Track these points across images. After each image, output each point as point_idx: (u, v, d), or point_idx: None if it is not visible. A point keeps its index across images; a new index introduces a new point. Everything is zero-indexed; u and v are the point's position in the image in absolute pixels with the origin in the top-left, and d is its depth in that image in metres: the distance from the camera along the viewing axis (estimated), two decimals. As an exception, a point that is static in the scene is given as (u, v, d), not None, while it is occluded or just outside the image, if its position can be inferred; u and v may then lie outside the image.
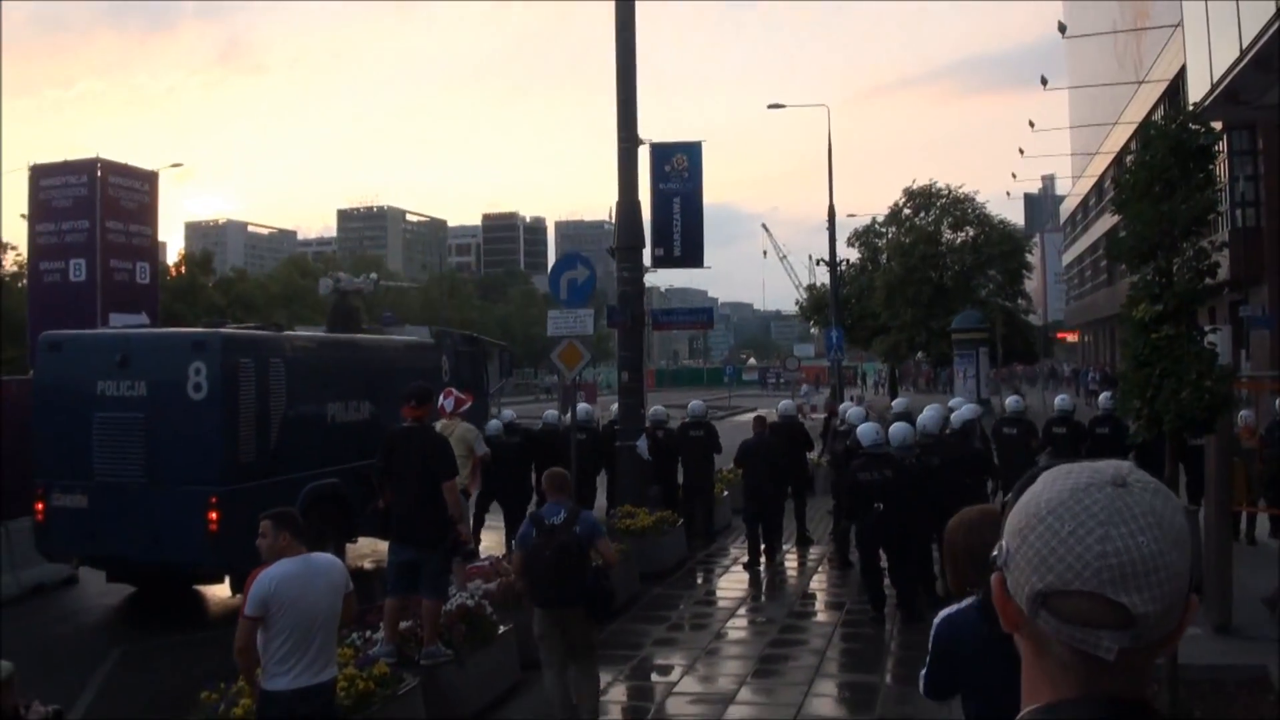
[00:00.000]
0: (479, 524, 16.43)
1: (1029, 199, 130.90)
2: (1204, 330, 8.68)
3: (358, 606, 7.00)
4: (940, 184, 51.10)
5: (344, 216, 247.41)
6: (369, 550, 16.46)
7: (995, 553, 1.44)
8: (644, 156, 18.56)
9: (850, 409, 17.11)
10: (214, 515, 12.49)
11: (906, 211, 50.80)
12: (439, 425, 11.96)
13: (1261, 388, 20.22)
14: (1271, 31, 16.56)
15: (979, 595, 3.62)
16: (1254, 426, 15.73)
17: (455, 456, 10.19)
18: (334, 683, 6.71)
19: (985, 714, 3.66)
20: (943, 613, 3.93)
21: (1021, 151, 68.69)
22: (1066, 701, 1.39)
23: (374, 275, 22.59)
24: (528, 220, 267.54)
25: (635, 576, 13.94)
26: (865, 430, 12.72)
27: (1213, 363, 8.25)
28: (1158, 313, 8.20)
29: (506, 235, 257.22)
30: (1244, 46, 18.33)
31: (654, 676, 10.92)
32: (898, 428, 13.07)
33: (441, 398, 12.84)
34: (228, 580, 13.52)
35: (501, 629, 10.05)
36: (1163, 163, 8.30)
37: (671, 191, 19.15)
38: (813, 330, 72.59)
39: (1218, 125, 33.92)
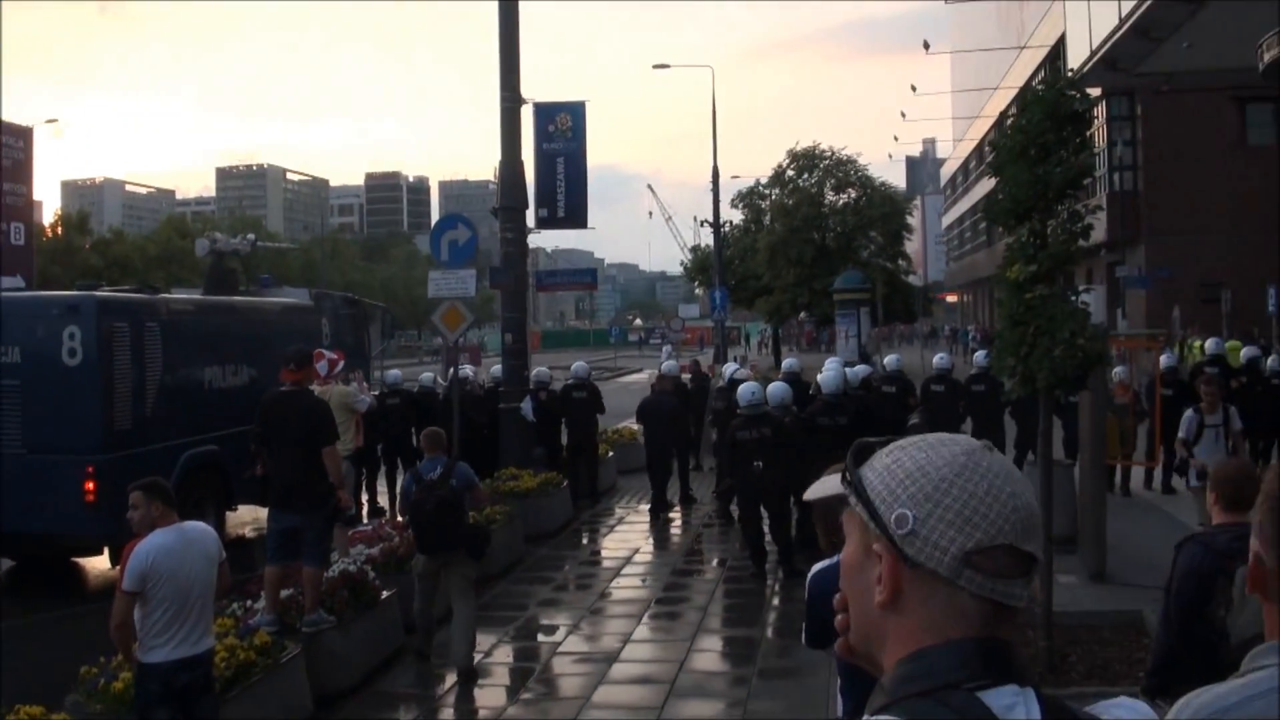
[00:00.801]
0: (359, 487, 16.31)
1: (910, 162, 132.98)
2: (1078, 290, 8.90)
3: (231, 576, 6.91)
4: (823, 146, 51.50)
5: (223, 175, 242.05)
6: (250, 518, 16.21)
7: (897, 528, 1.44)
8: (528, 116, 18.44)
9: (732, 369, 17.28)
10: (91, 485, 12.22)
11: (790, 173, 51.06)
12: (315, 389, 11.80)
13: (1136, 345, 20.83)
14: (1150, 0, 16.95)
15: None
16: (1128, 383, 16.19)
17: (335, 421, 10.07)
18: (212, 653, 6.65)
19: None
20: (816, 566, 3.99)
21: (903, 115, 69.67)
22: (932, 646, 1.41)
23: (251, 236, 22.05)
24: (411, 180, 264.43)
25: (520, 538, 13.94)
26: (745, 390, 12.85)
27: (1085, 322, 8.46)
28: (1032, 273, 8.38)
29: (389, 195, 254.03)
30: (1123, 15, 18.75)
31: (540, 637, 10.96)
32: (776, 387, 13.25)
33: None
34: (106, 551, 13.21)
35: (384, 594, 9.99)
36: (1039, 127, 8.45)
37: (555, 151, 19.02)
38: (697, 291, 72.93)
39: (1096, 91, 34.77)
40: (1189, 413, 12.02)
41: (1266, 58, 4.96)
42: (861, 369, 16.63)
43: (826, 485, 1.61)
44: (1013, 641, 1.44)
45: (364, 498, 16.70)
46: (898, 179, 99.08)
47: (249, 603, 9.21)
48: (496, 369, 18.62)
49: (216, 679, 6.95)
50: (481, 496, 10.49)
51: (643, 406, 17.43)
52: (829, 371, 14.48)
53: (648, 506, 16.73)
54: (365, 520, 14.79)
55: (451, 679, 9.56)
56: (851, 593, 1.51)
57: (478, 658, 9.71)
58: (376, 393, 17.46)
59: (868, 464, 1.50)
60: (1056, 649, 8.63)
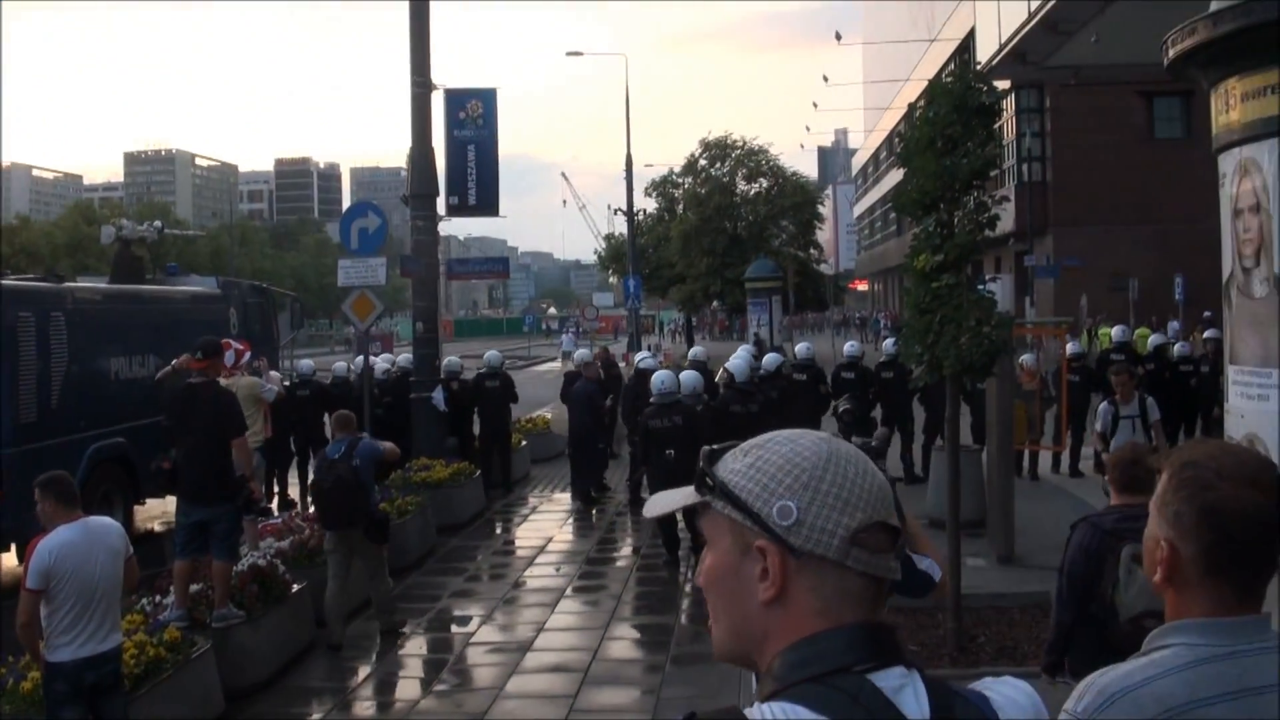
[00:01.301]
0: (270, 479, 16.09)
1: (822, 151, 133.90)
2: (984, 279, 9.02)
3: (140, 571, 6.76)
4: (735, 136, 51.77)
5: (131, 160, 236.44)
6: (160, 512, 15.89)
7: (781, 519, 1.45)
8: (439, 103, 18.28)
9: (642, 357, 17.27)
10: (-6, 480, 11.86)
11: (702, 163, 51.29)
12: (222, 380, 11.59)
13: (1043, 333, 21.14)
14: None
15: None
16: (1035, 370, 16.44)
17: (244, 413, 9.90)
18: (120, 650, 6.51)
19: None
20: None
21: (815, 105, 70.13)
22: (820, 633, 1.44)
23: (158, 223, 21.59)
24: (322, 167, 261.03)
25: (432, 529, 13.82)
26: (657, 379, 12.85)
27: (991, 310, 8.57)
28: (938, 262, 8.47)
29: (300, 182, 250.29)
30: (1032, 9, 18.97)
31: (453, 628, 10.88)
32: (688, 375, 13.29)
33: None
34: (14, 548, 12.85)
35: (295, 587, 9.86)
36: (946, 119, 8.54)
37: (466, 139, 18.86)
38: (611, 279, 72.90)
39: (1005, 84, 35.26)
40: (1104, 405, 11.52)
41: (1171, 53, 5.03)
42: (773, 357, 16.67)
43: (669, 500, 1.62)
44: (896, 627, 1.49)
45: (275, 489, 16.44)
46: (810, 169, 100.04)
47: (158, 598, 9.02)
48: (405, 358, 18.47)
49: (126, 676, 6.82)
50: (393, 456, 10.90)
51: (567, 393, 17.43)
52: (738, 360, 14.54)
53: (563, 494, 16.68)
54: (275, 513, 14.58)
55: (365, 671, 9.51)
56: (725, 598, 1.52)
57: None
58: (287, 383, 17.23)
59: (722, 467, 1.52)
60: (965, 630, 8.76)
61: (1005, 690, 1.55)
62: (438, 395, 16.32)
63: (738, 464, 1.50)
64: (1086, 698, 1.93)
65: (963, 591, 8.30)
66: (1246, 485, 1.90)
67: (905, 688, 1.42)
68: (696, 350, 18.34)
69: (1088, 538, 5.04)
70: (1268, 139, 5.06)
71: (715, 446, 1.55)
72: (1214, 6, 5.18)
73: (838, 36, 47.40)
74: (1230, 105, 5.31)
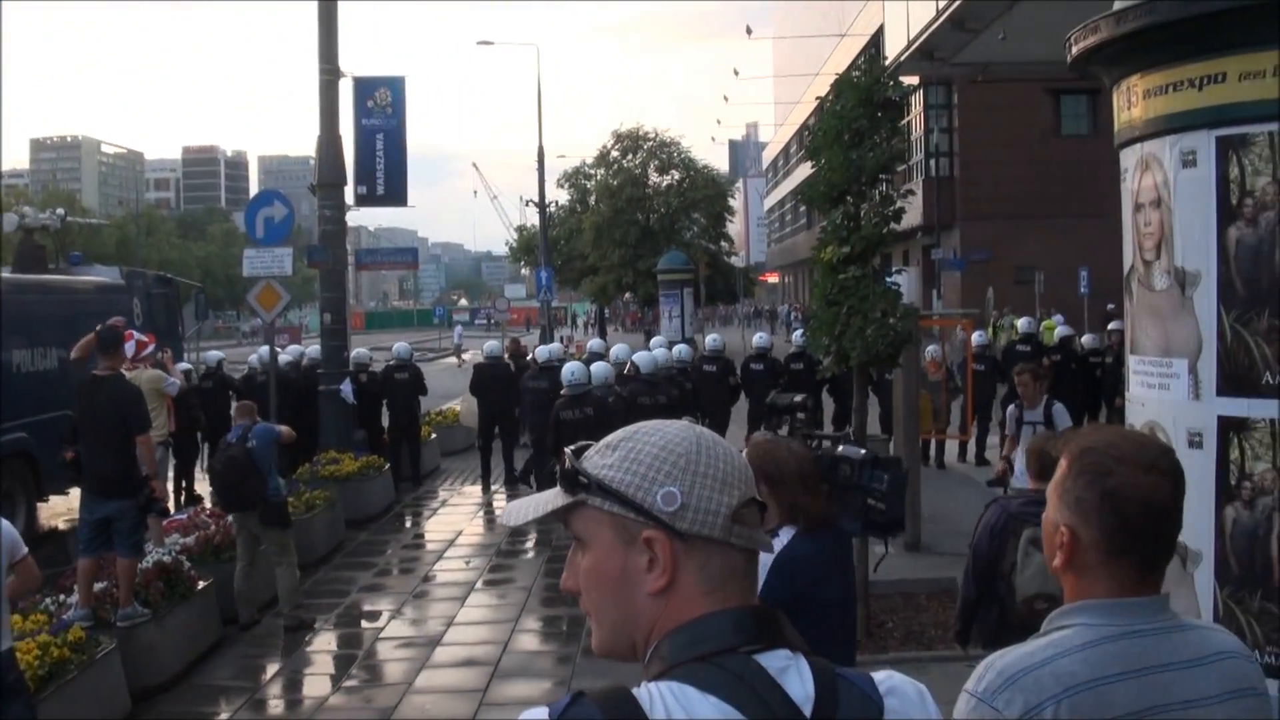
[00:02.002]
0: (180, 475, 15.83)
1: (734, 145, 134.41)
2: (890, 271, 9.13)
3: (44, 570, 6.56)
4: (647, 128, 51.83)
5: (37, 147, 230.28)
6: (64, 509, 15.53)
7: (666, 506, 1.48)
8: (349, 92, 18.04)
9: (543, 350, 17.19)
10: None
11: (614, 154, 51.28)
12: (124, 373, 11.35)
13: (950, 324, 21.44)
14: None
15: None
16: (940, 360, 16.68)
17: (148, 407, 9.70)
18: (12, 652, 6.28)
19: None
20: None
21: (726, 99, 70.44)
22: (708, 615, 1.47)
23: (61, 211, 21.10)
24: (229, 155, 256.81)
25: (341, 523, 13.68)
26: (568, 370, 12.83)
27: (897, 301, 8.69)
28: (845, 254, 8.56)
29: (207, 170, 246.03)
30: (940, 7, 19.16)
31: (363, 623, 10.78)
32: (599, 367, 13.28)
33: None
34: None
35: (201, 584, 9.69)
36: (853, 113, 8.64)
37: (374, 127, 18.62)
38: (523, 271, 72.68)
39: (914, 80, 35.61)
40: (1010, 408, 10.54)
41: (1074, 50, 5.12)
42: (682, 348, 16.73)
43: (536, 505, 1.61)
44: (778, 610, 1.52)
45: (183, 485, 16.13)
46: (721, 161, 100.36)
47: (62, 597, 8.82)
48: (314, 349, 18.24)
49: (30, 678, 6.66)
50: (289, 438, 11.15)
51: (477, 385, 17.33)
52: (643, 351, 14.58)
53: (473, 487, 16.62)
54: (173, 512, 14.30)
55: (273, 668, 9.41)
56: (610, 594, 1.54)
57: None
58: (201, 375, 16.94)
59: (591, 464, 1.53)
60: (873, 617, 8.88)
61: (891, 678, 1.57)
62: (345, 388, 16.13)
63: (608, 459, 1.52)
64: (987, 677, 1.95)
65: (870, 579, 8.40)
66: (1145, 470, 1.94)
67: (790, 669, 1.46)
68: (595, 343, 18.38)
69: (994, 518, 5.33)
70: (1169, 135, 5.16)
71: (574, 446, 1.57)
72: (1117, 5, 5.26)
73: (748, 31, 47.82)
74: (1132, 102, 5.41)
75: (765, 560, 3.55)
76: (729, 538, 1.48)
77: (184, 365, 17.76)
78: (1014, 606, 5.26)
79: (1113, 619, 1.95)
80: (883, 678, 1.56)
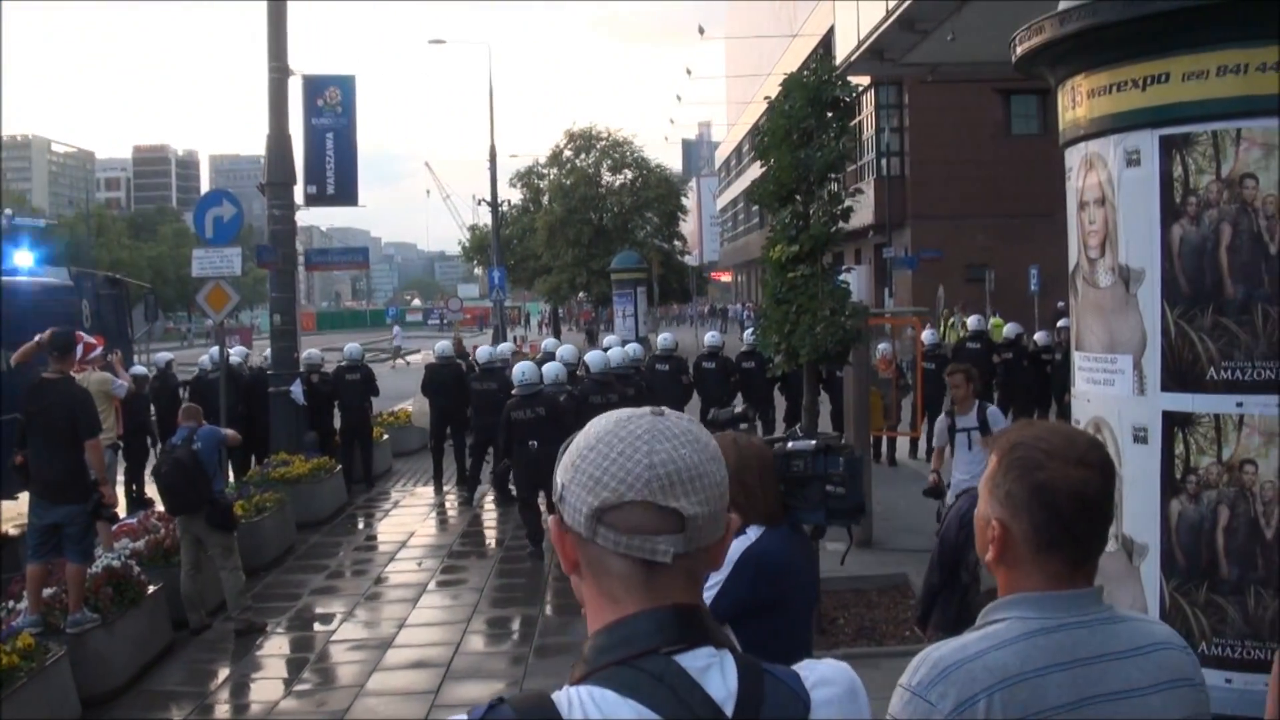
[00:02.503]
0: (130, 478, 15.66)
1: (686, 144, 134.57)
2: (839, 269, 9.18)
3: None
4: (600, 127, 51.80)
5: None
6: (15, 514, 15.31)
7: (555, 495, 1.53)
8: (298, 91, 17.91)
9: (481, 349, 17.15)
10: None
11: (567, 153, 51.23)
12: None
13: (901, 322, 21.57)
14: (916, -5, 17.47)
15: None
16: (890, 358, 16.77)
17: (97, 411, 9.58)
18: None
19: None
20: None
21: (679, 98, 70.48)
22: (630, 616, 1.47)
23: (9, 211, 20.83)
24: (180, 154, 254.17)
25: (292, 526, 13.57)
26: (519, 369, 12.81)
27: (846, 299, 8.74)
28: (794, 253, 8.61)
29: (158, 170, 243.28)
30: (890, 7, 19.26)
31: (315, 626, 10.72)
32: (551, 366, 13.27)
33: None
34: None
35: (151, 589, 9.59)
36: (801, 112, 8.69)
37: (324, 126, 18.48)
38: (476, 271, 72.46)
39: (865, 80, 35.79)
40: (940, 418, 9.82)
41: (1019, 50, 5.16)
42: (634, 347, 16.77)
43: None
44: (703, 607, 1.52)
45: (132, 488, 15.94)
46: (674, 161, 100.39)
47: (11, 604, 8.72)
48: (239, 349, 18.10)
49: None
50: (234, 441, 11.35)
51: (428, 385, 17.27)
52: (595, 350, 14.58)
53: (426, 488, 16.55)
54: (130, 512, 14.15)
55: (224, 673, 9.33)
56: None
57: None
58: (152, 375, 16.76)
59: None
60: (825, 613, 8.93)
61: (821, 669, 1.57)
62: (296, 389, 16.01)
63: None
64: (921, 670, 1.96)
65: (822, 575, 8.43)
66: (1075, 464, 1.96)
67: (712, 667, 1.45)
68: (549, 342, 18.37)
69: (965, 508, 5.44)
70: (1113, 134, 5.21)
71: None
72: (1062, 5, 5.31)
73: (700, 30, 47.87)
74: (1077, 101, 5.46)
75: (731, 555, 3.55)
76: (593, 537, 1.47)
77: (139, 369, 17.58)
78: (977, 597, 5.33)
79: (1046, 612, 1.97)
80: (809, 669, 1.56)
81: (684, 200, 56.37)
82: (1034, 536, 1.98)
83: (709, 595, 3.46)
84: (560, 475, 1.52)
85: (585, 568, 1.51)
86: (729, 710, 1.43)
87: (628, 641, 1.46)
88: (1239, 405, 4.90)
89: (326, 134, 18.49)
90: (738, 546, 3.59)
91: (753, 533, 3.65)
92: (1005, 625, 1.98)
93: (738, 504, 3.73)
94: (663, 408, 1.54)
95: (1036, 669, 1.90)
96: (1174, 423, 5.05)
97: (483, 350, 16.95)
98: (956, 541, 5.40)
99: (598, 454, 1.47)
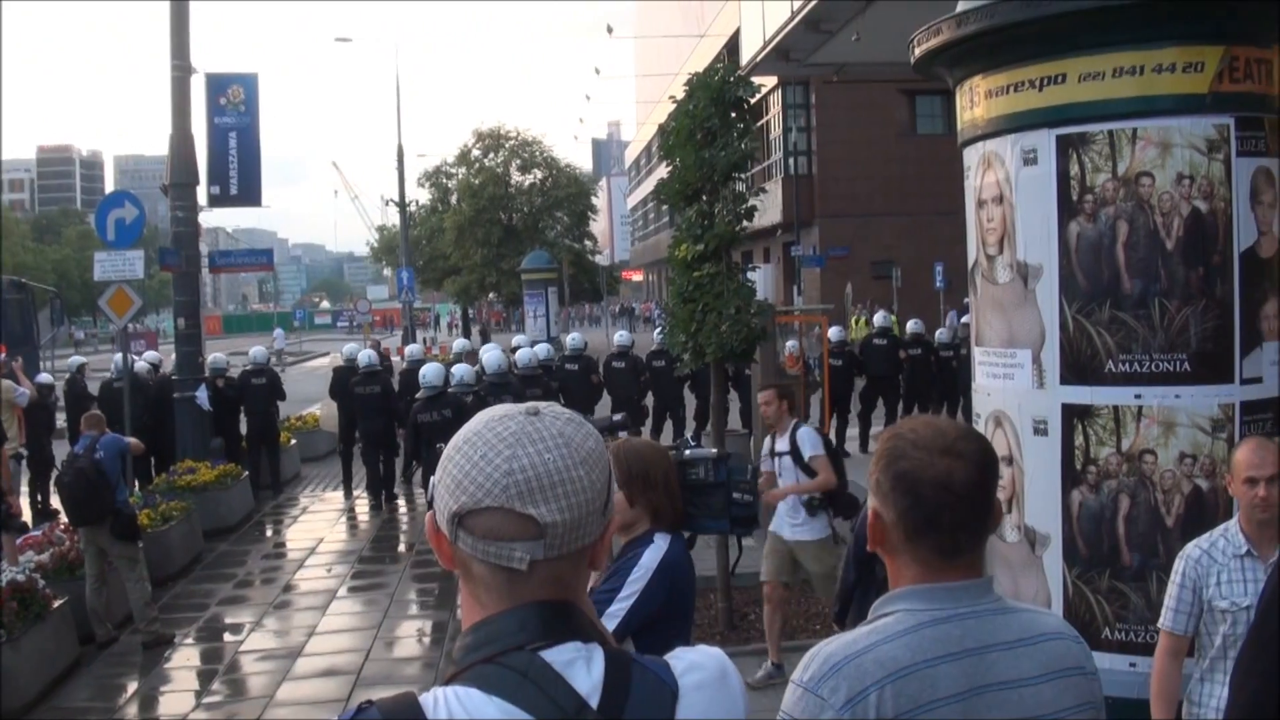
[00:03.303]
0: (34, 489, 15.31)
1: (597, 144, 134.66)
2: (745, 268, 9.24)
3: None
4: (509, 127, 51.61)
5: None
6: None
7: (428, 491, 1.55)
8: (202, 89, 17.61)
9: (363, 353, 17.00)
10: None
11: (476, 153, 50.94)
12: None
13: (808, 319, 21.73)
14: (820, -5, 17.64)
15: None
16: (798, 355, 16.90)
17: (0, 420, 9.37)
18: None
19: None
20: None
21: (588, 98, 70.56)
22: (495, 615, 1.48)
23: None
24: (85, 154, 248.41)
25: (199, 534, 13.33)
26: (426, 371, 12.73)
27: (751, 298, 8.81)
28: (699, 252, 8.66)
29: (62, 170, 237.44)
30: (794, 8, 19.41)
31: (225, 636, 10.55)
32: (460, 368, 13.22)
33: None
34: None
35: (56, 603, 9.33)
36: (704, 112, 8.73)
37: (228, 125, 18.19)
38: (385, 272, 71.83)
39: (772, 80, 36.02)
40: (766, 440, 8.45)
41: (918, 51, 5.24)
42: (543, 348, 16.75)
43: None
44: (574, 603, 1.52)
45: (37, 499, 15.54)
46: (584, 160, 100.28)
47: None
48: (150, 355, 17.80)
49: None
50: (137, 450, 11.32)
51: (337, 390, 17.09)
52: (489, 352, 14.49)
53: (335, 493, 16.38)
54: (34, 524, 13.81)
55: (133, 687, 9.15)
56: None
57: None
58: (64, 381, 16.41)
59: None
60: (736, 609, 8.98)
61: (692, 656, 1.59)
62: (201, 394, 15.73)
63: None
64: (813, 666, 1.97)
65: (734, 571, 8.50)
66: (940, 454, 1.97)
67: (577, 661, 1.46)
68: (461, 343, 18.29)
69: None
70: (1010, 134, 5.31)
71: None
72: (960, 7, 5.39)
73: (609, 30, 47.81)
74: (975, 102, 5.55)
75: (649, 563, 3.56)
76: (455, 540, 1.48)
77: (44, 377, 17.20)
78: None
79: (934, 603, 1.98)
80: (680, 657, 1.58)
81: (594, 200, 56.35)
82: (900, 523, 2.00)
83: (624, 605, 3.48)
84: (435, 474, 1.53)
85: (458, 566, 1.52)
86: (594, 702, 1.44)
87: (492, 640, 1.47)
88: (1137, 397, 5.02)
89: (230, 133, 18.20)
90: (653, 556, 3.61)
91: (660, 540, 3.66)
92: (895, 618, 1.99)
93: (654, 510, 3.75)
94: (539, 405, 1.53)
95: (926, 660, 1.92)
96: (1073, 415, 5.15)
97: (363, 355, 16.79)
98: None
99: (463, 456, 1.47)
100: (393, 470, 16.22)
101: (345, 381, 16.95)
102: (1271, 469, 3.81)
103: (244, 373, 17.49)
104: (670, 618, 3.62)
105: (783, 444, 7.99)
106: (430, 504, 1.56)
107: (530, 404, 1.54)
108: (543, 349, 16.78)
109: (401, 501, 16.18)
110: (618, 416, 5.23)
